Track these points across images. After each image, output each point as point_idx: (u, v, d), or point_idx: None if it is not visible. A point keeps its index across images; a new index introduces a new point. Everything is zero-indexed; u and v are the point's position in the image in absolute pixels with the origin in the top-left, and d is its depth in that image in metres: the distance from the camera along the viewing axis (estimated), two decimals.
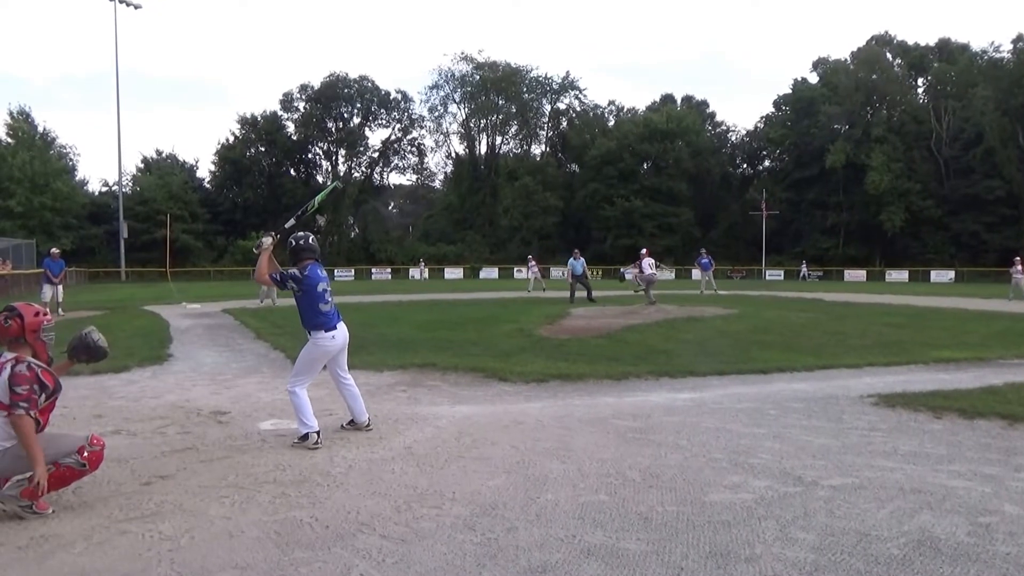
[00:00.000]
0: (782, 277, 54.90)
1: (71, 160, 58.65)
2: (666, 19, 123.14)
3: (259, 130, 65.42)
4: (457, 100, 70.12)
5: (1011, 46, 56.39)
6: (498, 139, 71.81)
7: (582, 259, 21.13)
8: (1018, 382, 7.07)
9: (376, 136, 73.08)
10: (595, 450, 4.81)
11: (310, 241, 5.18)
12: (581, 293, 20.41)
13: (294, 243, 5.16)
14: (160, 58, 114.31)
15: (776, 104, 68.81)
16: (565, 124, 73.35)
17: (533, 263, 30.55)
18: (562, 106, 72.95)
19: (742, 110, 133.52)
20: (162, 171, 60.15)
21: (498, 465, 4.48)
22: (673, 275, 48.76)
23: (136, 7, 47.81)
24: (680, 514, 3.59)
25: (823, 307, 19.33)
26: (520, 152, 72.80)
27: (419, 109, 72.68)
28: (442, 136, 72.64)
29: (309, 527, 3.45)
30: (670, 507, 3.70)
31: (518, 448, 4.87)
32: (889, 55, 63.43)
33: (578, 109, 73.03)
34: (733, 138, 74.91)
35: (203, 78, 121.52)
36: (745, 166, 74.63)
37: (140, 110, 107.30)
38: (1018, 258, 24.28)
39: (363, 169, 70.66)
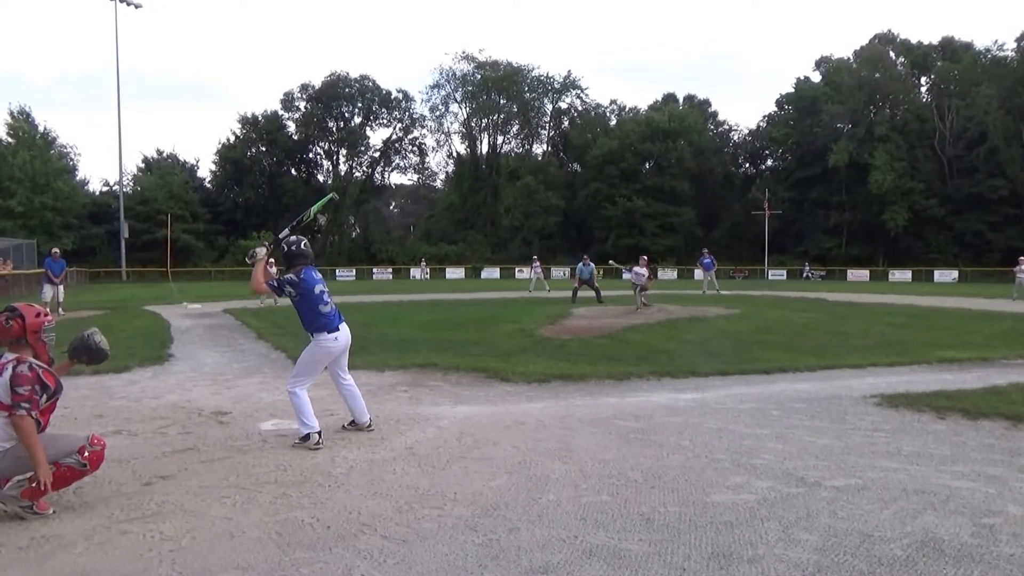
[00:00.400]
0: (785, 277, 54.74)
1: (72, 160, 58.78)
2: (668, 18, 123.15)
3: (260, 130, 65.42)
4: (458, 99, 70.09)
5: (1015, 44, 56.61)
6: (499, 138, 71.79)
7: (591, 265, 21.34)
8: (1022, 382, 7.05)
9: (377, 136, 73.46)
10: (597, 450, 4.80)
11: (303, 246, 5.18)
12: (582, 293, 20.55)
13: (287, 248, 5.17)
14: (160, 58, 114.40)
15: (778, 103, 68.63)
16: (567, 123, 73.25)
17: (537, 264, 30.59)
18: (564, 105, 72.94)
19: (744, 109, 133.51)
20: (163, 171, 60.19)
21: (500, 466, 4.47)
22: (675, 275, 48.70)
23: (136, 6, 47.70)
24: (682, 515, 3.58)
25: (826, 307, 19.31)
26: (522, 152, 72.81)
27: (420, 108, 72.93)
28: (443, 135, 72.71)
29: (310, 528, 3.45)
30: (672, 508, 3.69)
31: (520, 448, 4.86)
32: (892, 54, 63.18)
33: (580, 108, 72.93)
34: (735, 137, 74.74)
35: (203, 78, 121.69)
36: (747, 165, 74.40)
37: (140, 110, 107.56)
38: (1022, 257, 24.18)
39: (364, 169, 70.71)
